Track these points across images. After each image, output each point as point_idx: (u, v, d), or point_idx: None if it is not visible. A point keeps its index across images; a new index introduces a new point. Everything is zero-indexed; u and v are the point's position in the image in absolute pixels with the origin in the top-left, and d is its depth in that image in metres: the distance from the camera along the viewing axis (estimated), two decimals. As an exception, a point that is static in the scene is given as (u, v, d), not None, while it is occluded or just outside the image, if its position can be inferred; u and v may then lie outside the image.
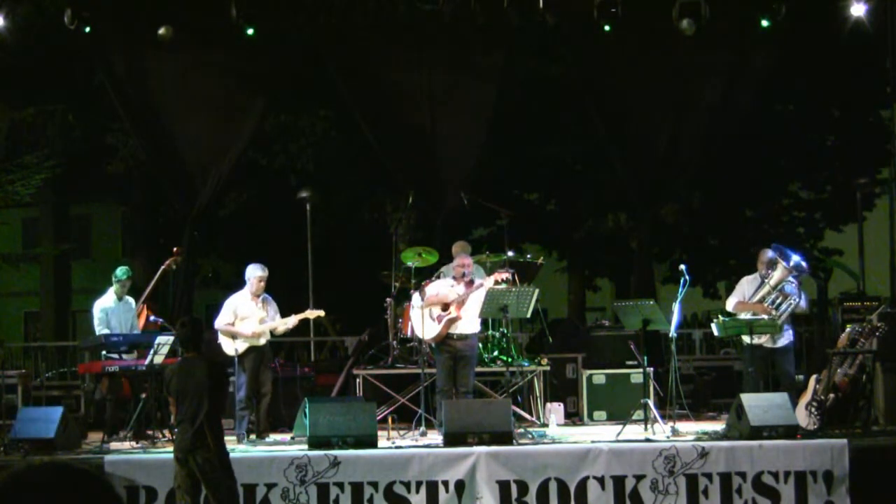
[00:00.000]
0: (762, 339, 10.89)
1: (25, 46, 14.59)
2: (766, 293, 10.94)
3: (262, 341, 10.96)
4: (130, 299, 11.82)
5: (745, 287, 11.23)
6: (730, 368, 14.33)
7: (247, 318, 10.95)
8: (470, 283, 10.85)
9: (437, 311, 10.85)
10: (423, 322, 10.83)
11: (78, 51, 14.58)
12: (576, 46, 14.47)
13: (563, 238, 24.24)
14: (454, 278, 11.00)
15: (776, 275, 10.90)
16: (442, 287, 11.00)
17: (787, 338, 10.98)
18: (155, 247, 21.69)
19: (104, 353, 11.14)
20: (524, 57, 15.07)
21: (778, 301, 10.88)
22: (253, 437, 10.69)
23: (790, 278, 10.89)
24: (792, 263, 10.88)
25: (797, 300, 10.84)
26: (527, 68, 15.75)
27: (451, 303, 10.77)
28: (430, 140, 14.29)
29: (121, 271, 11.66)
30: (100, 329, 11.43)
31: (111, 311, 11.50)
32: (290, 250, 19.59)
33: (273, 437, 10.95)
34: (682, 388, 11.09)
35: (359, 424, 9.62)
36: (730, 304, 11.32)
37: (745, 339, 10.88)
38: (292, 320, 11.13)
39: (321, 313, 11.71)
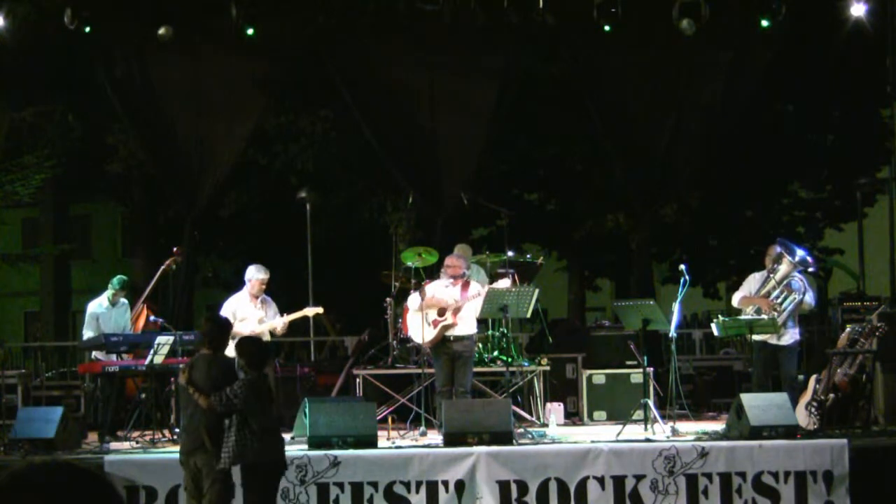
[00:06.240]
0: (767, 336, 10.85)
1: (25, 46, 14.57)
2: (772, 288, 10.92)
3: None
4: (125, 301, 11.94)
5: (753, 283, 11.18)
6: (730, 368, 14.32)
7: (245, 319, 10.95)
8: (466, 285, 10.83)
9: (433, 315, 10.82)
10: (421, 327, 10.81)
11: (78, 51, 14.56)
12: (576, 46, 14.48)
13: (563, 238, 24.21)
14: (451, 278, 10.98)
15: (781, 269, 10.88)
16: (438, 289, 10.98)
17: (791, 336, 10.88)
18: (155, 247, 21.67)
19: (94, 354, 11.22)
20: (524, 57, 15.04)
21: (783, 296, 10.84)
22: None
23: (796, 273, 10.88)
24: (797, 258, 10.86)
25: (802, 296, 10.79)
26: (527, 68, 15.71)
27: (447, 308, 10.75)
28: (431, 140, 14.28)
29: (116, 280, 11.91)
30: (86, 332, 11.71)
31: (102, 315, 11.74)
32: (290, 250, 19.58)
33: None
34: (682, 388, 11.07)
35: (359, 424, 9.62)
36: (735, 300, 11.29)
37: (756, 336, 10.85)
38: (290, 318, 11.13)
39: (320, 310, 11.68)
